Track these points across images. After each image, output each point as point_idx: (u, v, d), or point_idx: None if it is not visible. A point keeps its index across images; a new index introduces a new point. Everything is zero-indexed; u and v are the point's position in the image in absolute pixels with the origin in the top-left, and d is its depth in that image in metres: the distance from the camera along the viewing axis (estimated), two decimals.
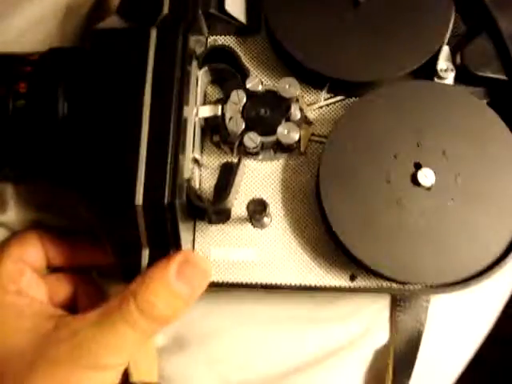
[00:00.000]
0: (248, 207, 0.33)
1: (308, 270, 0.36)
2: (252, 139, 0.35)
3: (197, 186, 0.36)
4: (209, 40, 0.39)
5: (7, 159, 0.36)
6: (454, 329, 0.42)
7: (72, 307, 0.39)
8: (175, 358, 0.41)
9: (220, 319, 0.41)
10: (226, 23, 0.38)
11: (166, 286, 0.32)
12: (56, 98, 0.34)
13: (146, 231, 0.33)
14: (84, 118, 0.33)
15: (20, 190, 0.41)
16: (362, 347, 0.41)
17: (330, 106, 0.38)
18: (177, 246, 0.34)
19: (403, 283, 0.35)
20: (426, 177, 0.34)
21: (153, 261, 0.34)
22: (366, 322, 0.41)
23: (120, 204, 0.32)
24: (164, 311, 0.33)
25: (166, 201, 0.31)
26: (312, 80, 0.37)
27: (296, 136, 0.35)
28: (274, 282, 0.36)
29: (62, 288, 0.39)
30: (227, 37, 0.39)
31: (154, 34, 0.33)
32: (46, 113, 0.34)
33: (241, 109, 0.35)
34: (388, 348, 0.40)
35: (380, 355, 0.41)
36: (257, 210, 0.33)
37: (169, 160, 0.32)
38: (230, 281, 0.36)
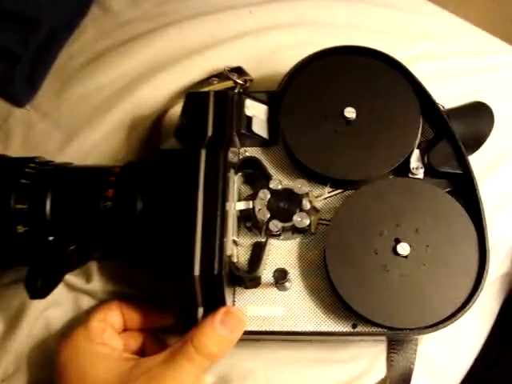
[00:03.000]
0: (274, 275, 0.46)
1: (319, 320, 0.47)
2: (275, 225, 0.48)
3: (235, 261, 0.48)
4: (240, 151, 0.52)
5: (97, 245, 0.49)
6: (439, 365, 0.53)
7: (140, 355, 0.50)
8: None
9: (255, 362, 0.52)
10: (253, 138, 0.52)
11: (214, 330, 0.44)
12: (135, 199, 0.47)
13: (201, 295, 0.45)
14: (155, 212, 0.46)
15: (102, 266, 0.54)
16: (365, 382, 0.52)
17: (333, 197, 0.50)
18: (223, 305, 0.46)
19: (392, 328, 0.46)
20: (403, 249, 0.46)
21: (205, 316, 0.46)
22: (368, 363, 0.52)
23: (181, 275, 0.44)
24: (213, 349, 0.44)
25: (216, 272, 0.44)
26: (318, 179, 0.50)
27: (307, 222, 0.48)
28: (294, 330, 0.47)
29: (133, 341, 0.51)
30: (253, 148, 0.52)
31: (203, 153, 0.47)
32: (128, 211, 0.47)
33: (266, 203, 0.48)
34: (385, 383, 0.52)
35: None
36: (280, 277, 0.46)
37: (217, 242, 0.44)
38: (263, 329, 0.47)
